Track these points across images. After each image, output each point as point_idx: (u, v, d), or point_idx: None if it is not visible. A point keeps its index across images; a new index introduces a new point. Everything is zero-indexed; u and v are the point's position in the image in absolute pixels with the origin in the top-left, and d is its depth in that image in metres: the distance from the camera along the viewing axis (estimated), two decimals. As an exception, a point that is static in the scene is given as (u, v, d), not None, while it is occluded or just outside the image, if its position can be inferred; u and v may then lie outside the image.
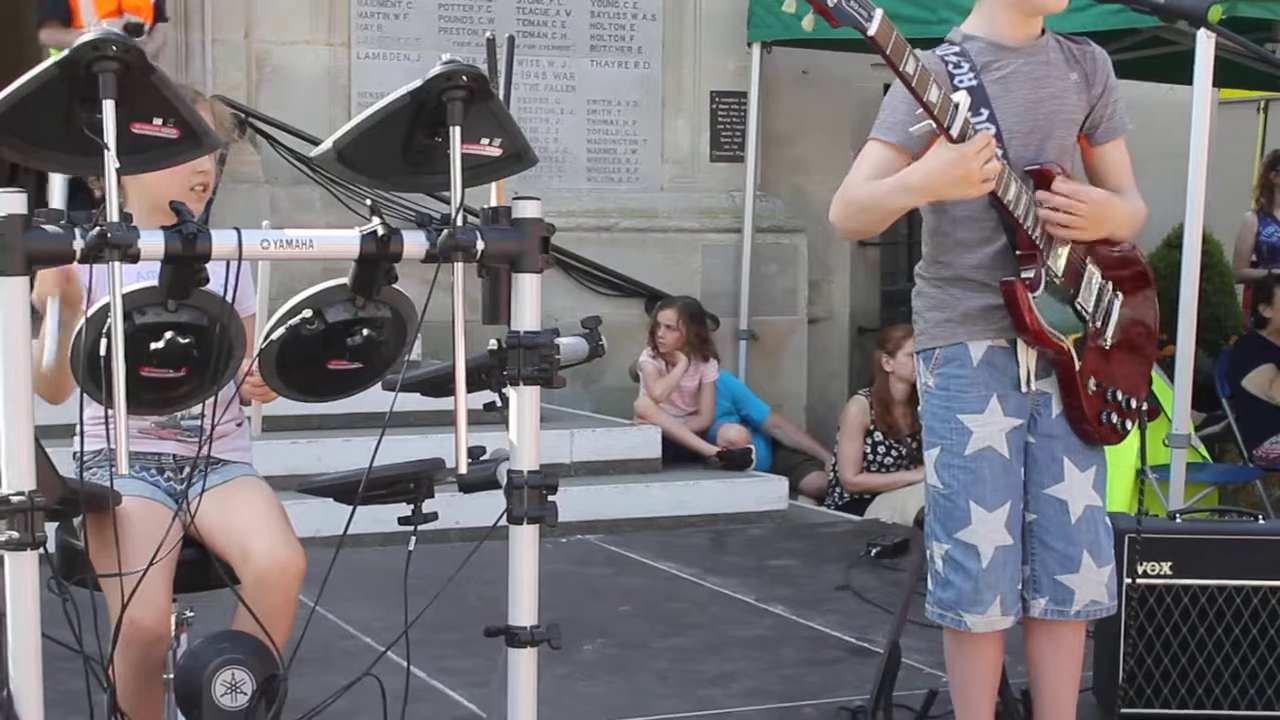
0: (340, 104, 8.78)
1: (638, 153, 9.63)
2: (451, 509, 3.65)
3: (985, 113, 3.65)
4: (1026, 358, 3.68)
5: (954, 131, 3.39)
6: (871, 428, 8.26)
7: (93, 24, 7.58)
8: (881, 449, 8.25)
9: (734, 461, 8.27)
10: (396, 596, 3.22)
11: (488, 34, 3.13)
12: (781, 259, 9.79)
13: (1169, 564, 4.77)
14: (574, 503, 7.38)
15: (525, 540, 3.09)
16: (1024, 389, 3.68)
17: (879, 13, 3.27)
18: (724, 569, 6.79)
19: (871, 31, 3.27)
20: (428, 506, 3.41)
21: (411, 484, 3.38)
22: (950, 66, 3.69)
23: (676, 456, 8.20)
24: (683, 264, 9.55)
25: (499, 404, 3.17)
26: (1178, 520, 5.04)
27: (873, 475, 8.25)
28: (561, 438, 7.84)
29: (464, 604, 4.31)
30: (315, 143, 2.73)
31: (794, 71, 9.52)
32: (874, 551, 6.90)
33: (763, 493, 8.03)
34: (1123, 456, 5.20)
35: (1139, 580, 4.66)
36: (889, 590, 6.24)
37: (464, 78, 2.80)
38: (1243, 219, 10.46)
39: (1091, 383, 3.73)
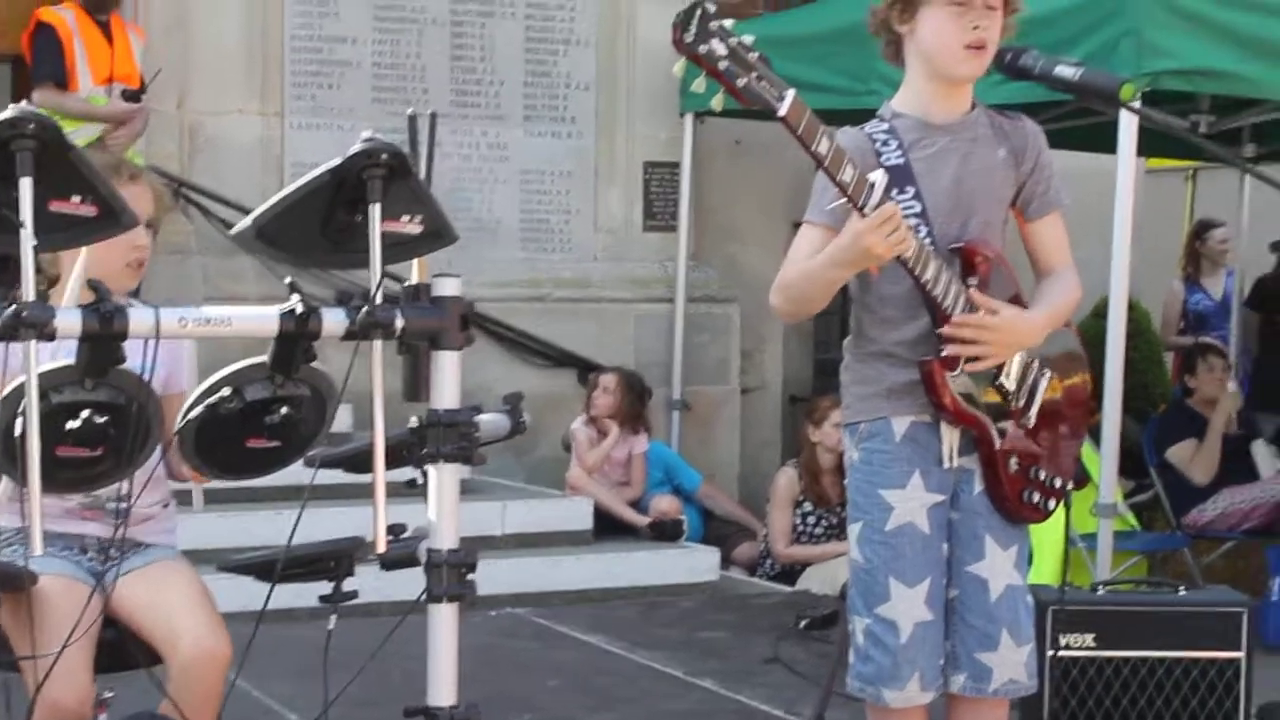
0: (273, 174, 8.76)
1: (571, 223, 9.66)
2: (381, 582, 3.61)
3: (911, 190, 3.67)
4: (949, 434, 3.69)
5: (867, 210, 3.41)
6: (801, 498, 8.27)
7: (89, 90, 7.63)
8: (811, 519, 8.26)
9: (665, 533, 8.25)
10: (321, 672, 3.21)
11: (409, 111, 3.13)
12: (714, 328, 9.82)
13: (1092, 636, 4.80)
14: (504, 575, 7.37)
15: (444, 619, 3.08)
16: (946, 465, 3.70)
17: (791, 93, 3.28)
18: (654, 642, 6.77)
19: (782, 112, 3.28)
20: (350, 584, 3.40)
21: (332, 562, 3.38)
22: (878, 144, 3.71)
23: (608, 528, 8.18)
24: (616, 334, 9.56)
25: (420, 481, 3.16)
26: (1100, 592, 5.08)
27: (803, 546, 8.26)
28: (493, 509, 7.81)
29: (388, 680, 4.28)
30: (248, 213, 2.74)
31: (726, 141, 9.57)
32: (803, 623, 6.90)
33: (694, 564, 8.02)
34: (1053, 525, 5.24)
35: (1062, 652, 4.68)
36: (818, 662, 6.22)
37: (383, 155, 2.81)
38: (1169, 287, 10.57)
39: (1013, 462, 3.73)
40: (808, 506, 8.26)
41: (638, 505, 8.44)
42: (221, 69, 8.90)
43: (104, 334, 2.67)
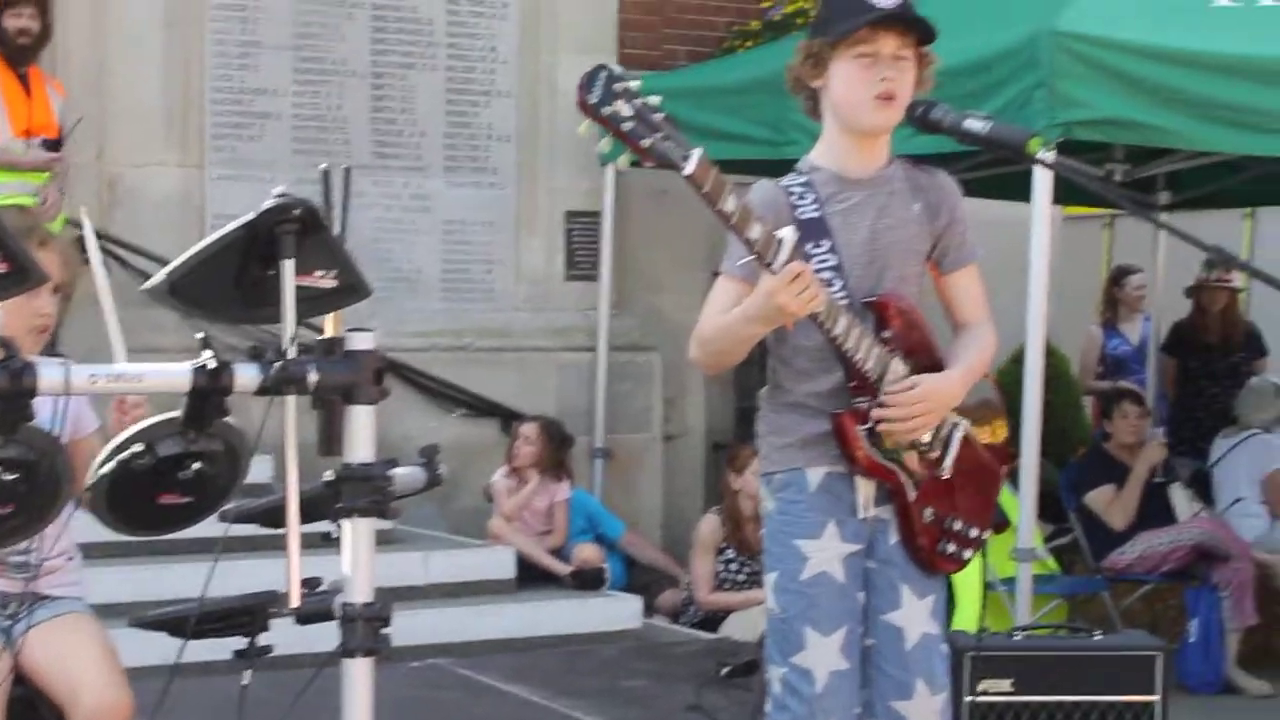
0: (194, 226, 8.72)
1: (492, 272, 9.66)
2: (303, 634, 3.59)
3: (827, 244, 3.71)
4: (864, 485, 3.72)
5: (775, 266, 3.43)
6: (723, 545, 8.30)
7: (7, 140, 7.58)
8: (734, 566, 8.28)
9: (588, 581, 8.25)
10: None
11: (321, 166, 3.14)
12: (636, 377, 9.84)
13: (1009, 681, 4.84)
14: (427, 626, 7.34)
15: (359, 673, 3.07)
16: (861, 515, 3.72)
17: (697, 152, 3.31)
18: (576, 691, 6.75)
19: (688, 171, 3.31)
20: (268, 637, 3.39)
21: (246, 617, 3.37)
22: (794, 197, 3.75)
23: (531, 577, 8.17)
24: (538, 383, 9.56)
25: (335, 534, 3.16)
26: (1018, 637, 5.12)
27: (726, 593, 8.28)
28: (416, 559, 7.79)
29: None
30: (167, 264, 2.75)
31: (646, 191, 9.61)
32: (725, 671, 6.90)
33: (617, 612, 8.01)
34: (977, 570, 5.29)
35: (980, 698, 4.72)
36: (739, 710, 6.23)
37: (296, 210, 2.82)
38: (1088, 332, 10.68)
39: (928, 513, 3.77)
40: (730, 553, 8.29)
41: (560, 554, 8.43)
42: (141, 120, 8.86)
43: (13, 391, 2.66)
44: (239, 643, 3.37)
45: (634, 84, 3.28)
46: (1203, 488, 8.95)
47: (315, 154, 8.93)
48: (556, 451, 8.60)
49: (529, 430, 8.54)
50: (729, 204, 3.37)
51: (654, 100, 3.29)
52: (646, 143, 3.26)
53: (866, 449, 3.65)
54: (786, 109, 6.70)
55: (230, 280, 2.88)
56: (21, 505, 2.78)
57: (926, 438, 3.76)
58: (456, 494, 9.10)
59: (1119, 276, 10.61)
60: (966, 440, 3.86)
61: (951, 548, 3.83)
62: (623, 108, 3.24)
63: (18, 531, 2.85)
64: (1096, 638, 5.20)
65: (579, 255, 9.80)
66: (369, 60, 9.31)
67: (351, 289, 3.00)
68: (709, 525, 8.37)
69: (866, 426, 3.65)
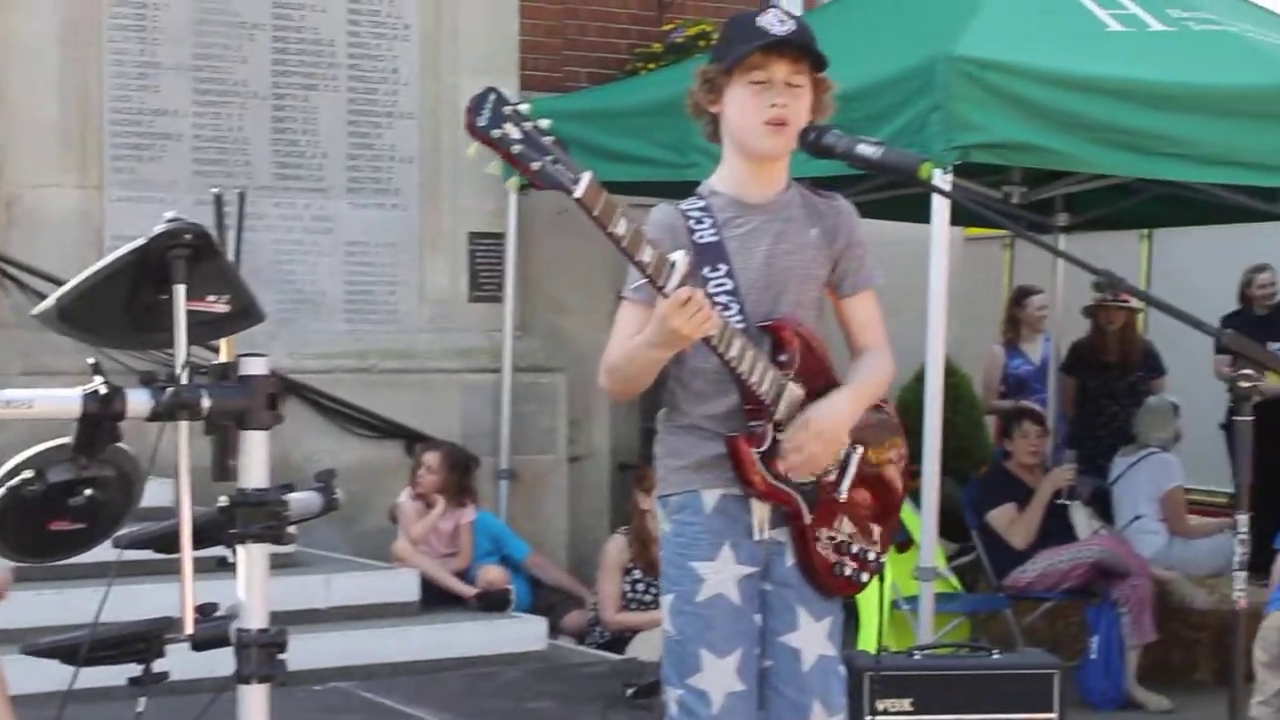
0: (93, 247, 8.62)
1: (396, 294, 9.63)
2: (202, 659, 3.56)
3: (724, 268, 3.73)
4: (759, 507, 3.73)
5: (668, 290, 3.43)
6: (630, 565, 8.31)
7: None
8: (641, 586, 8.29)
9: (493, 603, 8.23)
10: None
11: (214, 190, 3.13)
12: (541, 398, 9.82)
13: (909, 700, 4.87)
14: (329, 649, 7.30)
15: (254, 700, 3.06)
16: (757, 537, 3.74)
17: (587, 176, 3.31)
18: (480, 713, 6.74)
19: (578, 194, 3.31)
20: (165, 662, 3.37)
21: (141, 643, 3.34)
22: (692, 221, 3.76)
23: (436, 599, 8.14)
24: (442, 404, 9.53)
25: (231, 559, 3.14)
26: (917, 656, 5.15)
27: (632, 613, 8.29)
28: (318, 582, 7.75)
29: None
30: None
31: (550, 213, 9.62)
32: (630, 691, 6.91)
33: (522, 633, 8.00)
34: (879, 590, 5.32)
35: (879, 718, 4.74)
36: (644, 731, 6.25)
37: (187, 235, 2.81)
38: (990, 352, 10.78)
39: (824, 535, 3.78)
40: (637, 573, 8.29)
41: (465, 575, 8.41)
42: (40, 141, 8.77)
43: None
44: (134, 669, 3.33)
45: (523, 107, 3.29)
46: (1102, 506, 9.06)
47: (216, 175, 8.88)
48: (461, 478, 8.57)
49: (431, 460, 8.50)
50: (620, 227, 3.38)
51: (544, 123, 3.30)
52: (536, 166, 3.27)
53: (761, 472, 3.66)
54: (688, 131, 6.72)
55: (121, 305, 2.87)
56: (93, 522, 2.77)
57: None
58: (360, 516, 9.06)
59: (1020, 297, 10.73)
60: (864, 463, 3.87)
61: (849, 570, 3.85)
62: (512, 130, 3.25)
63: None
64: (995, 656, 5.24)
65: (483, 276, 9.78)
66: (270, 81, 9.26)
67: (245, 313, 2.99)
68: (616, 545, 8.38)
69: (761, 450, 3.66)
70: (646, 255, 3.42)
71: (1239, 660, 3.55)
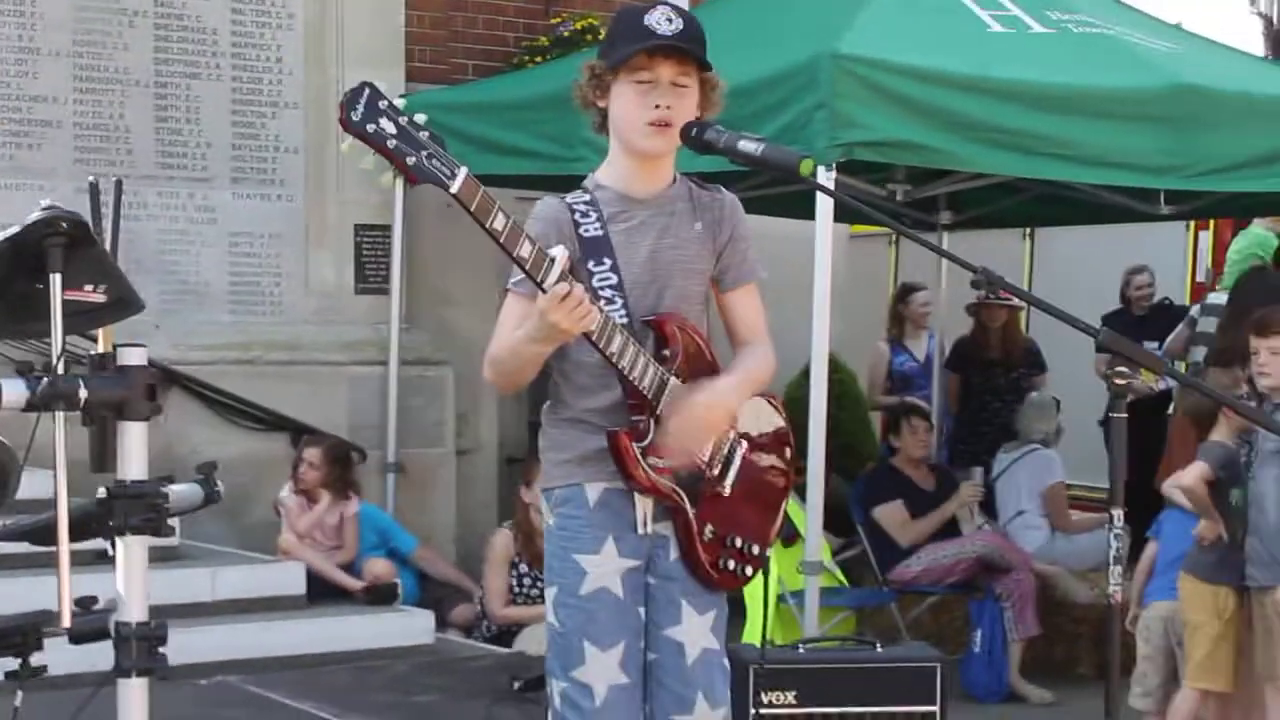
0: (-30, 235, 8.51)
1: (281, 285, 9.55)
2: (86, 653, 3.51)
3: (609, 262, 3.73)
4: (642, 501, 3.74)
5: (546, 285, 3.44)
6: (516, 559, 8.30)
7: None
8: (527, 580, 8.28)
9: (380, 596, 8.19)
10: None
11: (90, 178, 3.09)
12: (428, 391, 9.79)
13: (793, 693, 4.90)
14: (215, 643, 7.24)
15: (134, 694, 3.03)
16: (640, 531, 3.74)
17: (463, 171, 3.31)
18: (367, 707, 6.69)
19: (454, 189, 3.31)
20: (44, 657, 3.32)
21: (18, 637, 3.29)
22: (578, 215, 3.76)
23: (322, 592, 8.09)
24: (328, 396, 9.47)
25: (111, 552, 3.11)
26: (801, 650, 5.19)
27: (519, 607, 8.27)
28: (204, 575, 7.69)
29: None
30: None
31: (437, 205, 9.53)
32: (517, 685, 6.90)
33: (409, 627, 7.96)
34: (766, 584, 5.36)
35: (764, 710, 4.77)
36: (530, 724, 6.24)
37: (64, 224, 2.77)
38: (875, 348, 10.86)
39: (708, 530, 3.79)
40: (524, 567, 8.28)
41: (351, 568, 8.36)
42: (-85, 127, 8.65)
43: None
44: (10, 663, 3.29)
45: (399, 102, 3.29)
46: (985, 501, 9.15)
47: (98, 164, 8.78)
48: (343, 471, 8.52)
49: (312, 455, 8.44)
50: (498, 222, 3.37)
51: (419, 118, 3.31)
52: (411, 161, 3.26)
53: (643, 467, 3.67)
54: (575, 125, 6.73)
55: (-4, 294, 2.83)
56: None
57: (706, 454, 3.79)
58: (246, 509, 8.99)
59: (905, 294, 10.82)
60: (748, 458, 3.89)
61: (732, 564, 3.86)
62: (387, 125, 3.24)
63: None
64: (878, 650, 5.29)
65: (369, 268, 9.73)
66: (152, 69, 9.15)
67: (122, 303, 2.96)
68: (502, 539, 8.36)
69: (643, 445, 3.67)
70: (525, 250, 3.42)
71: (1116, 653, 3.60)
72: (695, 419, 3.69)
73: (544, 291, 3.44)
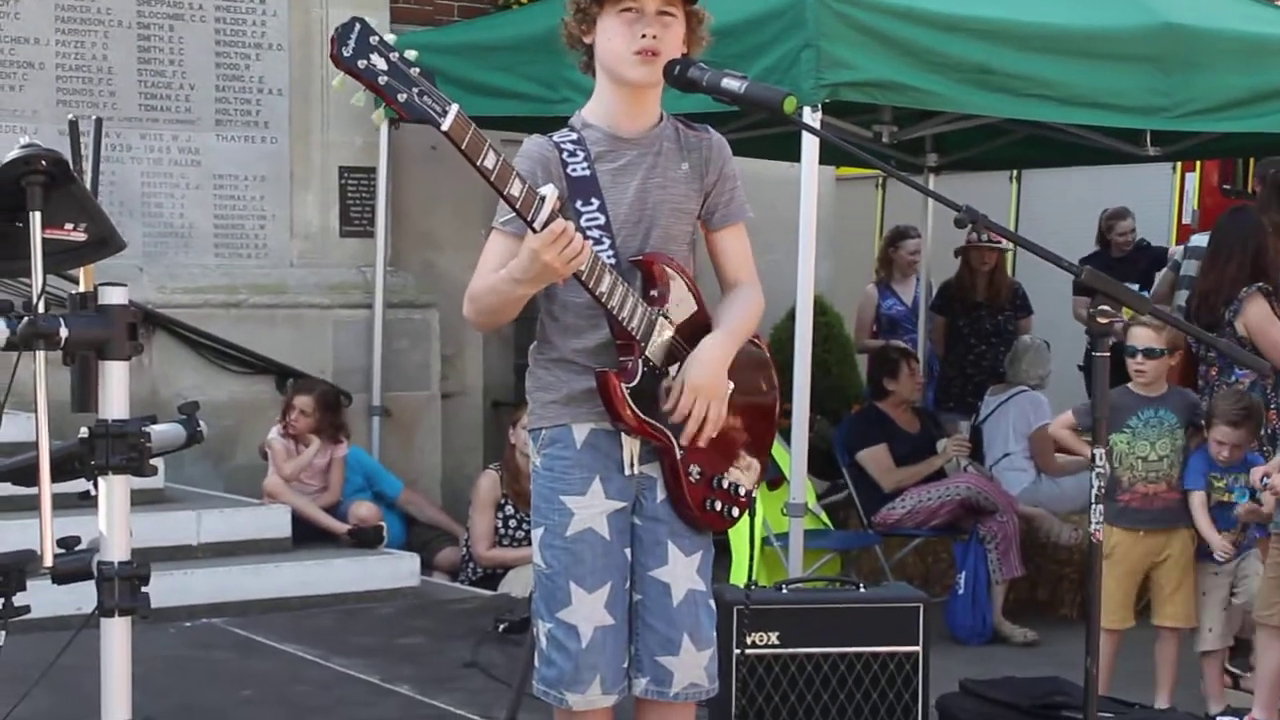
0: (-48, 177, 8.47)
1: (266, 228, 9.53)
2: (75, 595, 3.50)
3: (596, 202, 3.71)
4: (629, 442, 3.73)
5: (537, 224, 3.42)
6: (503, 501, 8.31)
7: None
8: (513, 522, 8.30)
9: (365, 539, 8.20)
10: (6, 688, 3.14)
11: (70, 116, 3.07)
12: (414, 334, 9.78)
13: (776, 634, 4.91)
14: (201, 585, 7.27)
15: (116, 633, 3.04)
16: (627, 472, 3.74)
17: (454, 108, 3.29)
18: (351, 649, 6.72)
19: (445, 126, 3.29)
20: (27, 598, 3.33)
21: (1, 577, 3.30)
22: (565, 154, 3.74)
23: (308, 535, 8.10)
24: (314, 340, 9.46)
25: (93, 492, 3.11)
26: (785, 591, 5.20)
27: (505, 549, 8.29)
28: (189, 518, 7.69)
29: (82, 694, 4.19)
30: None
31: (422, 147, 9.54)
32: (502, 627, 6.93)
33: (394, 570, 7.98)
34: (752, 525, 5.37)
35: (748, 650, 4.78)
36: (515, 666, 6.19)
37: (43, 162, 2.76)
38: (864, 291, 10.86)
39: (695, 470, 3.78)
40: (510, 509, 8.30)
41: (336, 511, 8.37)
42: (-106, 69, 8.60)
43: None
44: (-6, 604, 3.29)
45: (390, 38, 3.26)
46: (971, 443, 9.17)
47: (80, 105, 8.74)
48: (334, 417, 8.52)
49: (303, 403, 8.42)
50: (489, 160, 3.36)
51: (410, 55, 3.28)
52: (403, 97, 3.24)
53: (632, 407, 3.66)
54: (560, 66, 6.72)
55: (-24, 233, 2.82)
56: None
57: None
58: (232, 452, 9.01)
59: (896, 238, 10.79)
60: (735, 400, 3.88)
61: (719, 505, 3.86)
62: (378, 62, 3.22)
63: None
64: (861, 591, 5.30)
65: (354, 211, 9.70)
66: (134, 10, 9.11)
67: (103, 242, 2.95)
68: (488, 481, 8.38)
69: (632, 385, 3.66)
70: (516, 189, 3.40)
71: (1096, 591, 3.62)
72: (694, 391, 3.70)
73: (535, 231, 3.42)
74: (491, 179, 3.38)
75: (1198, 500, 6.19)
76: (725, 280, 3.95)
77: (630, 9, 3.67)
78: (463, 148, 3.32)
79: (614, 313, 3.62)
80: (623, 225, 3.73)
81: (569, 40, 3.83)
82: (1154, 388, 6.27)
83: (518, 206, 3.41)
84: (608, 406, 3.67)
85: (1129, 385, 6.28)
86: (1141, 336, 6.21)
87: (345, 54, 3.20)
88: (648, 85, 3.74)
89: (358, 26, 3.22)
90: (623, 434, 3.73)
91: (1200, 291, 7.22)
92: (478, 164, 3.35)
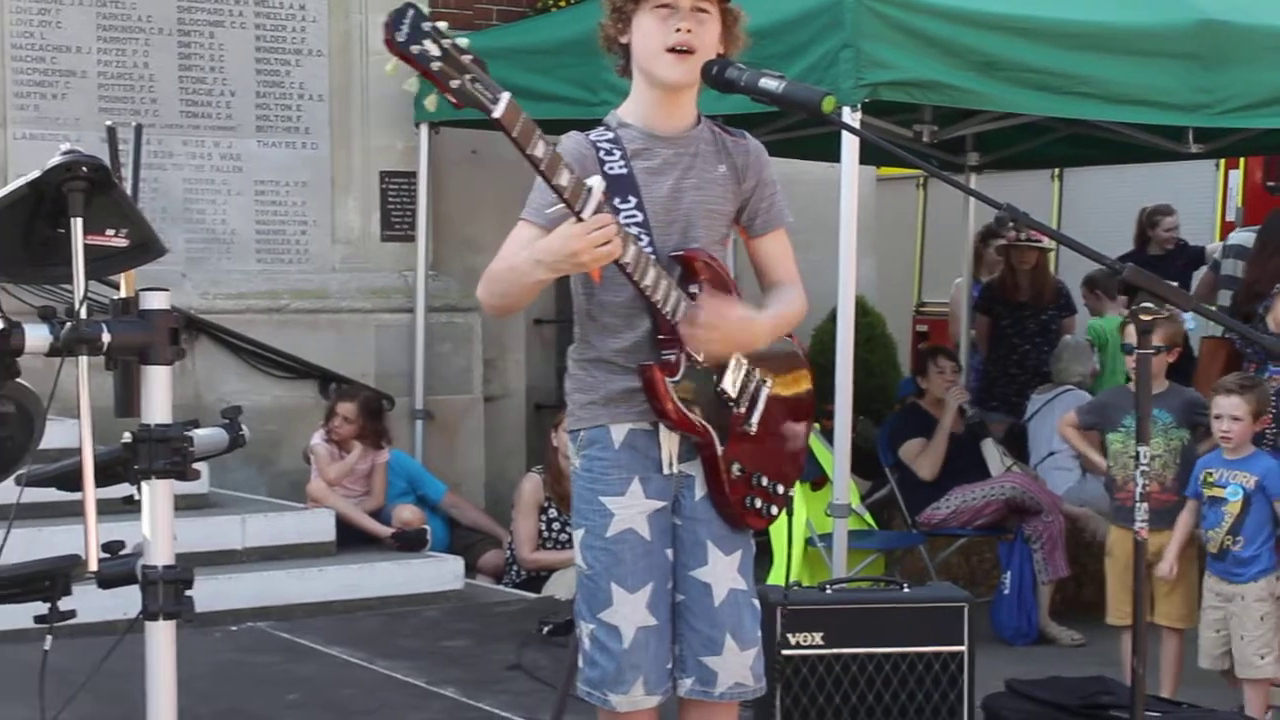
0: (-4, 185, 8.52)
1: (308, 233, 9.56)
2: (119, 600, 3.51)
3: (633, 200, 3.71)
4: (668, 441, 3.73)
5: (585, 214, 3.42)
6: (546, 504, 8.31)
7: None
8: (556, 525, 8.30)
9: (409, 542, 8.22)
10: (52, 693, 3.16)
11: (108, 123, 3.08)
12: (455, 338, 9.80)
13: (820, 634, 4.90)
14: (246, 589, 7.31)
15: (161, 638, 3.05)
16: (666, 471, 3.74)
17: (505, 96, 3.28)
18: (396, 652, 6.74)
19: (497, 114, 3.28)
20: (72, 603, 3.34)
21: (46, 581, 3.31)
22: (602, 153, 3.74)
23: (351, 539, 8.13)
24: (356, 344, 9.49)
25: (137, 497, 3.12)
26: (828, 591, 5.18)
27: (549, 552, 8.30)
28: (234, 522, 7.73)
29: (128, 699, 4.20)
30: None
31: (462, 151, 9.56)
32: (546, 629, 6.93)
33: (438, 573, 8.00)
34: (796, 524, 5.35)
35: (791, 651, 4.77)
36: (559, 668, 6.20)
37: (84, 168, 2.77)
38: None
39: (735, 468, 3.78)
40: (553, 512, 8.31)
41: (379, 516, 8.40)
42: (-62, 78, 8.65)
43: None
44: (39, 608, 3.31)
45: (443, 25, 3.25)
46: (1016, 443, 9.14)
47: (122, 113, 8.79)
48: (376, 423, 8.55)
49: (346, 409, 8.45)
50: (539, 149, 3.35)
51: (463, 42, 3.26)
52: (455, 84, 3.23)
53: (675, 401, 3.65)
54: (599, 69, 6.71)
55: (17, 240, 2.84)
56: None
57: (733, 391, 3.77)
58: (275, 456, 9.04)
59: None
60: (773, 397, 3.88)
61: (759, 503, 3.85)
62: (431, 47, 3.21)
63: None
64: (905, 590, 5.28)
65: (395, 216, 9.73)
66: (175, 18, 9.15)
67: (144, 247, 2.96)
68: (531, 484, 8.39)
69: (675, 380, 3.66)
70: (564, 179, 3.40)
71: (1142, 588, 3.60)
72: (726, 324, 3.66)
73: (581, 221, 3.42)
74: (541, 168, 3.37)
75: (1188, 508, 6.15)
76: (767, 284, 3.94)
77: (665, 5, 3.66)
78: (514, 135, 3.31)
79: (659, 306, 3.62)
80: (659, 224, 3.73)
81: (605, 43, 3.83)
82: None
83: (565, 196, 3.41)
84: (652, 400, 3.66)
85: (1126, 384, 6.26)
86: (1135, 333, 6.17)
87: (399, 38, 3.19)
88: (683, 85, 3.74)
89: (411, 12, 3.22)
90: (661, 433, 3.72)
91: (1245, 284, 7.19)
92: (528, 151, 3.34)
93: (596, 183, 3.47)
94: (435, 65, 3.22)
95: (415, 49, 3.21)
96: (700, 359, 3.69)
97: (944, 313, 12.27)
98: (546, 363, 10.72)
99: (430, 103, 3.30)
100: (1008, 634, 7.76)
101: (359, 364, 9.40)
